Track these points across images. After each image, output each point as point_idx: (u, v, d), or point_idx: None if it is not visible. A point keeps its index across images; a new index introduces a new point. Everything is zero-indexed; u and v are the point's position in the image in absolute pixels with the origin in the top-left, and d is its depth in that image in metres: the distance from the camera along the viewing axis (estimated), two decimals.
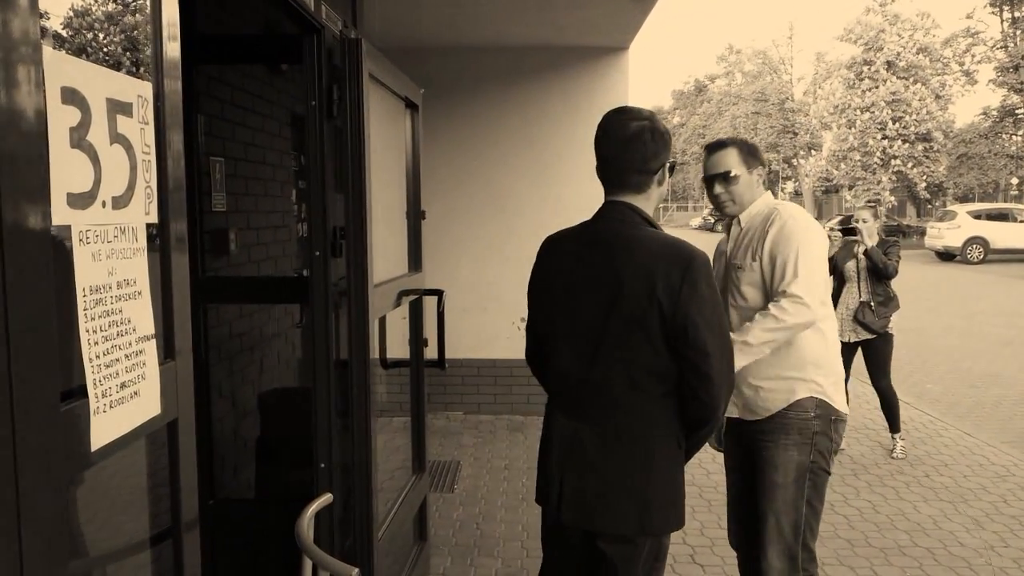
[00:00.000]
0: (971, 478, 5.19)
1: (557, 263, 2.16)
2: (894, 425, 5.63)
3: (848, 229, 5.58)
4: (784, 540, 2.61)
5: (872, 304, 5.39)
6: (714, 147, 2.78)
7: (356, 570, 1.74)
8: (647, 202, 2.11)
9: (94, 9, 1.69)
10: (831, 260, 5.60)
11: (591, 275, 2.06)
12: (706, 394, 2.03)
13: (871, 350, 5.50)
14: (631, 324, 2.00)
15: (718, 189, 2.74)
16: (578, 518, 2.10)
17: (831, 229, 5.87)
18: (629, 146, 2.07)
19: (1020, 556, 4.03)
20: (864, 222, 5.46)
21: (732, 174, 2.70)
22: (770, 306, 2.53)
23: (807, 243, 2.55)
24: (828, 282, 2.66)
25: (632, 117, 2.10)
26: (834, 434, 2.63)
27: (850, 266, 5.54)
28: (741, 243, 2.72)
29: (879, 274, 5.36)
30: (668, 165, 2.13)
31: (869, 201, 5.89)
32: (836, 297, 5.60)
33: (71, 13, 1.56)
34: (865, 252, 5.40)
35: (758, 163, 2.75)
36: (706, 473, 5.21)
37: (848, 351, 5.54)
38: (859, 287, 5.46)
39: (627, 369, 2.02)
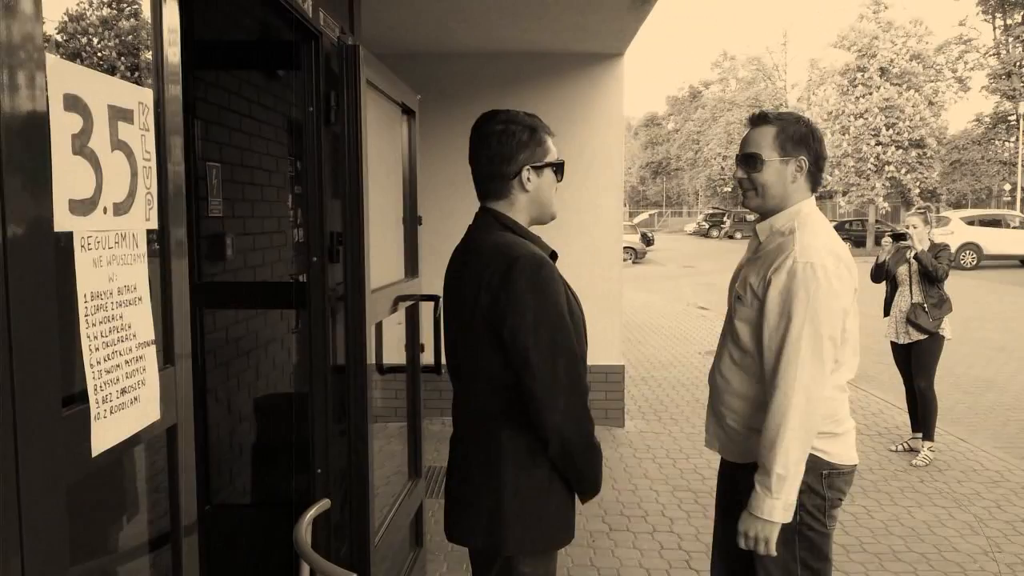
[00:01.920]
0: (965, 483, 5.21)
1: (448, 271, 2.12)
2: (927, 432, 5.70)
3: (899, 235, 5.75)
4: None
5: (925, 306, 5.52)
6: (754, 120, 2.30)
7: (353, 575, 1.74)
8: (513, 207, 1.99)
9: (89, 14, 1.69)
10: (883, 265, 5.79)
11: (450, 284, 2.04)
12: (535, 414, 1.86)
13: (919, 349, 5.60)
14: (471, 334, 1.92)
15: (740, 173, 2.28)
16: (445, 528, 2.11)
17: (887, 234, 6.01)
18: (479, 151, 1.99)
19: (1014, 561, 4.05)
20: (915, 227, 5.62)
21: (761, 157, 2.21)
22: (774, 410, 2.10)
23: (817, 311, 2.07)
24: (844, 338, 2.17)
25: (485, 121, 2.00)
26: (827, 490, 2.21)
27: (902, 270, 5.68)
28: (752, 265, 2.28)
29: (930, 277, 5.48)
30: (535, 167, 1.97)
31: (919, 208, 5.97)
32: (889, 301, 5.79)
33: (66, 18, 1.56)
34: (915, 256, 5.53)
35: (800, 152, 2.21)
36: (701, 479, 5.22)
37: (902, 353, 5.76)
38: (911, 290, 5.59)
39: (479, 382, 1.96)
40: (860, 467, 5.48)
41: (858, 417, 6.84)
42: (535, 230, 2.07)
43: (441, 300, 3.38)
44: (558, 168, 2.03)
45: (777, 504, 2.08)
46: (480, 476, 1.96)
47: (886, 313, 5.81)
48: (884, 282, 5.85)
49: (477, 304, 1.88)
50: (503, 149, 1.95)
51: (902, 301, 5.64)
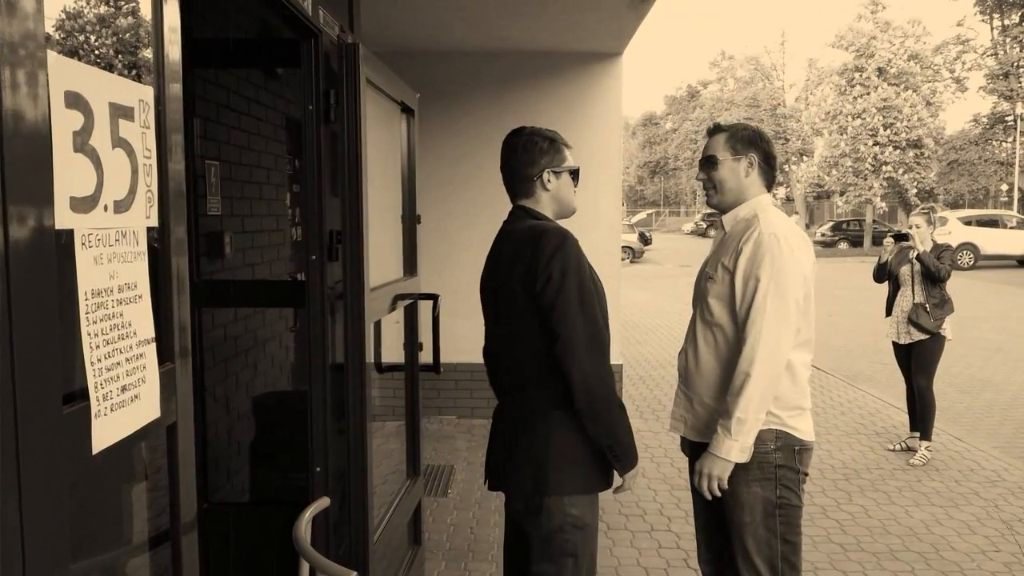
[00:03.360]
0: (963, 483, 5.22)
1: (486, 263, 2.47)
2: (925, 432, 5.71)
3: (902, 235, 5.75)
4: None
5: (927, 306, 5.52)
6: (710, 132, 2.64)
7: (354, 574, 1.75)
8: (539, 203, 2.37)
9: (86, 11, 1.69)
10: (885, 265, 5.79)
11: (492, 268, 2.39)
12: (561, 362, 2.14)
13: (920, 349, 5.61)
14: (510, 304, 2.26)
15: (701, 175, 2.59)
16: (493, 483, 2.42)
17: (889, 234, 6.02)
18: (508, 160, 2.39)
19: (1011, 560, 4.06)
20: (917, 227, 5.62)
21: (716, 158, 2.52)
22: (741, 360, 2.34)
23: (781, 272, 2.33)
24: (804, 308, 2.41)
25: (514, 134, 2.40)
26: (799, 464, 2.45)
27: (904, 270, 5.68)
28: (720, 249, 2.54)
29: (932, 277, 5.48)
30: (554, 171, 2.35)
31: (923, 208, 5.97)
32: (891, 301, 5.79)
33: (63, 15, 1.56)
34: (918, 256, 5.53)
35: (750, 151, 2.51)
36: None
37: (903, 353, 5.76)
38: (913, 290, 5.59)
39: (518, 349, 2.28)
40: (858, 466, 5.52)
41: (855, 416, 6.86)
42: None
43: (439, 299, 3.41)
44: (574, 173, 2.41)
45: (735, 446, 2.34)
46: (526, 432, 2.26)
47: (888, 313, 5.82)
48: (886, 282, 5.86)
49: (513, 275, 2.23)
50: (528, 155, 2.35)
51: (904, 301, 5.65)
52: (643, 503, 4.78)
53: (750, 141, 2.53)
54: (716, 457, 2.38)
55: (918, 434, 5.80)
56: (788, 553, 2.45)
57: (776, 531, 2.42)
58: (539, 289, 2.15)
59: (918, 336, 5.57)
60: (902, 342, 5.69)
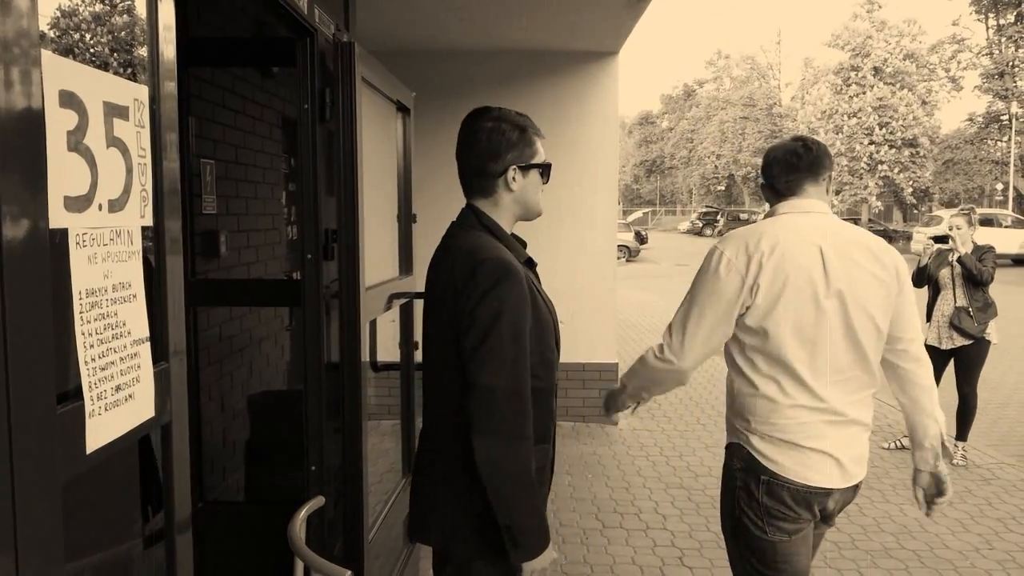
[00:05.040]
0: (957, 481, 5.23)
1: (428, 271, 2.05)
2: (962, 433, 5.64)
3: (940, 238, 5.59)
4: None
5: (971, 310, 5.39)
6: None
7: (348, 572, 1.75)
8: (496, 208, 1.96)
9: (81, 9, 1.68)
10: (924, 270, 5.62)
11: (428, 280, 1.98)
12: (475, 422, 1.76)
13: (964, 354, 5.49)
14: (438, 331, 1.91)
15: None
16: (406, 527, 2.10)
17: (927, 238, 5.86)
18: (467, 147, 1.96)
19: (1005, 558, 4.07)
20: (958, 229, 5.47)
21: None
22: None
23: (700, 291, 2.22)
24: (714, 333, 2.23)
25: (475, 117, 1.97)
26: (765, 497, 2.18)
27: (944, 274, 5.56)
28: None
29: (975, 280, 5.36)
30: (521, 167, 1.93)
31: (963, 209, 5.84)
32: (931, 306, 5.64)
33: (58, 13, 1.56)
34: (959, 259, 5.40)
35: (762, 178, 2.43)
36: (694, 476, 5.24)
37: (941, 359, 5.54)
38: (954, 293, 5.47)
39: (442, 381, 1.91)
40: None
41: None
42: (524, 226, 2.04)
43: None
44: (544, 170, 2.00)
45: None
46: (438, 478, 1.93)
47: (928, 318, 5.66)
48: (926, 287, 5.69)
49: (443, 303, 1.86)
50: (491, 147, 1.92)
51: (944, 305, 5.52)
52: (639, 501, 4.79)
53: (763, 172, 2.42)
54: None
55: (963, 443, 5.71)
56: None
57: (742, 555, 2.26)
58: (463, 330, 1.79)
59: (961, 341, 5.44)
60: (944, 347, 5.51)
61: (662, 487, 5.06)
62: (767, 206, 2.41)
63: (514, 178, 1.93)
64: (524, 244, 2.05)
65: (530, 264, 1.99)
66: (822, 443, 2.18)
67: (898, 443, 5.91)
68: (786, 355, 2.15)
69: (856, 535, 4.34)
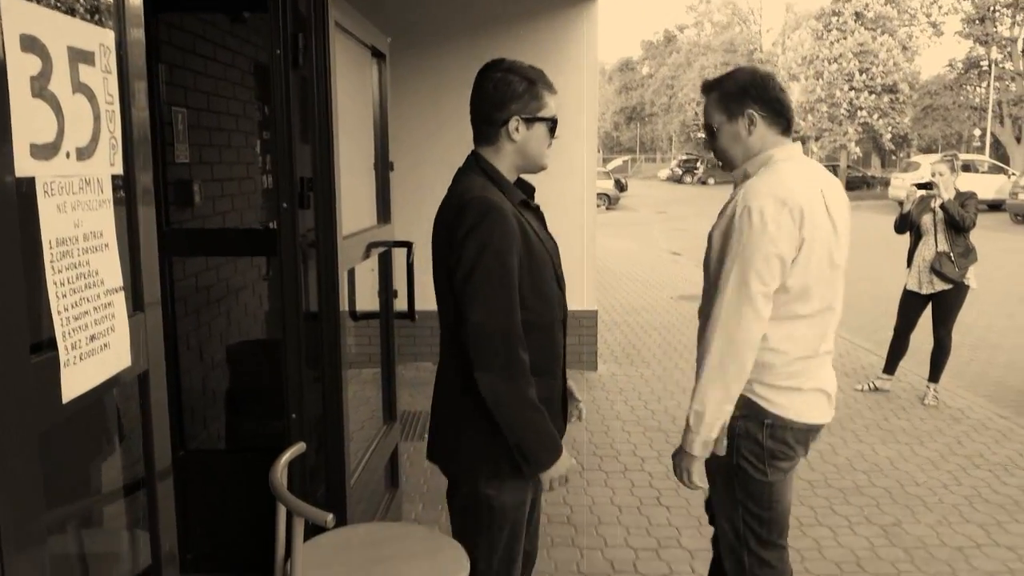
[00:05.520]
0: (928, 420, 5.36)
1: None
2: (935, 375, 5.76)
3: (923, 184, 5.64)
4: (727, 538, 2.36)
5: (952, 255, 5.45)
6: (703, 90, 2.31)
7: (330, 515, 1.78)
8: (498, 153, 2.05)
9: None
10: (907, 216, 5.69)
11: (434, 222, 2.08)
12: (472, 353, 1.91)
13: (943, 299, 5.58)
14: (439, 273, 2.03)
15: (708, 144, 2.34)
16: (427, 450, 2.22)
17: (910, 184, 5.89)
18: (476, 95, 2.06)
19: (972, 494, 4.20)
20: (941, 175, 5.51)
21: (712, 126, 2.25)
22: (702, 350, 2.17)
23: (745, 254, 2.07)
24: (777, 275, 2.09)
25: (488, 67, 2.07)
26: (768, 440, 2.20)
27: (926, 219, 5.60)
28: (721, 212, 2.26)
29: (957, 226, 5.41)
30: (525, 119, 2.01)
31: (946, 155, 5.84)
32: (912, 251, 5.71)
33: None
34: (942, 205, 5.45)
35: (745, 105, 2.18)
36: (672, 419, 5.32)
37: (920, 304, 5.71)
38: (936, 239, 5.52)
39: (441, 315, 2.06)
40: None
41: None
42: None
43: (413, 246, 3.40)
44: (551, 125, 2.07)
45: (696, 439, 2.16)
46: (447, 406, 2.10)
47: (908, 264, 5.75)
48: (908, 233, 5.77)
49: (438, 245, 2.01)
50: (496, 96, 2.01)
51: (926, 250, 5.57)
52: (617, 444, 4.87)
53: (743, 93, 2.18)
54: (682, 451, 2.22)
55: (887, 375, 5.95)
56: (752, 523, 2.29)
57: (736, 499, 2.28)
58: (453, 265, 1.92)
59: (941, 286, 5.51)
60: (923, 292, 5.61)
61: (640, 430, 5.15)
62: (774, 152, 2.22)
63: (517, 129, 2.02)
64: (532, 189, 2.17)
65: (526, 205, 2.09)
66: (818, 382, 2.26)
67: (871, 385, 6.03)
68: (805, 308, 2.15)
69: (829, 474, 4.46)
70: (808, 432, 2.27)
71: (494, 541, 2.08)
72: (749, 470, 2.23)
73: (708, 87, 2.28)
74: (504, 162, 2.06)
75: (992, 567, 3.46)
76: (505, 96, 2.01)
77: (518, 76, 2.02)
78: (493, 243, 1.89)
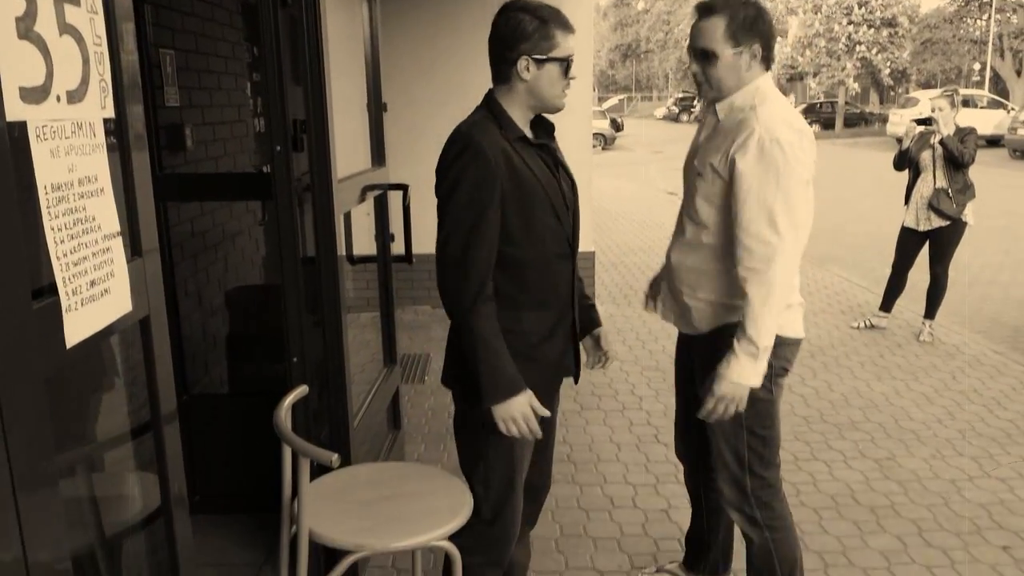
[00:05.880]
0: (923, 357, 5.42)
1: None
2: (931, 311, 5.78)
3: (923, 120, 5.58)
4: (729, 468, 2.40)
5: (950, 191, 5.42)
6: (702, 11, 2.23)
7: (335, 455, 1.80)
8: (510, 93, 2.07)
9: None
10: (906, 153, 5.64)
11: None
12: (437, 272, 2.06)
13: (940, 235, 5.56)
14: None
15: (695, 67, 2.26)
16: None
17: (910, 120, 5.84)
18: (491, 34, 2.08)
19: (965, 428, 4.27)
20: (941, 111, 5.45)
21: (715, 53, 2.19)
22: (758, 287, 2.14)
23: (788, 187, 2.11)
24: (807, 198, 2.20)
25: (503, 7, 2.08)
26: (774, 358, 2.24)
27: (925, 155, 5.56)
28: (711, 142, 2.27)
29: (955, 162, 5.37)
30: (535, 58, 2.01)
31: (945, 91, 5.74)
32: (911, 188, 5.68)
33: None
34: (941, 141, 5.40)
35: (753, 40, 2.17)
36: (669, 358, 5.36)
37: (918, 241, 5.69)
38: (935, 175, 5.48)
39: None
40: (823, 343, 5.68)
41: (821, 296, 7.02)
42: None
43: (408, 189, 3.37)
44: (565, 65, 2.05)
45: (758, 369, 2.19)
46: (452, 333, 2.17)
47: (906, 200, 5.72)
48: (907, 170, 5.74)
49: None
50: (507, 35, 2.03)
51: (924, 187, 5.54)
52: (616, 383, 4.92)
53: (753, 26, 2.17)
54: (737, 384, 2.19)
55: (884, 313, 5.98)
56: (756, 445, 2.35)
57: (743, 422, 2.31)
58: (436, 191, 2.05)
59: (938, 223, 5.49)
60: (921, 228, 5.59)
61: (638, 369, 5.20)
62: (761, 81, 2.24)
63: (527, 68, 2.03)
64: (552, 128, 2.20)
65: (526, 141, 2.08)
66: (798, 296, 2.37)
67: (867, 322, 6.07)
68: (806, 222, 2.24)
69: (824, 410, 4.52)
70: (798, 345, 2.39)
71: (491, 464, 2.16)
72: (759, 392, 2.26)
73: (708, 9, 2.21)
74: (515, 101, 2.08)
75: (984, 498, 3.53)
76: (515, 35, 2.02)
77: (529, 15, 2.02)
78: (467, 178, 1.97)
